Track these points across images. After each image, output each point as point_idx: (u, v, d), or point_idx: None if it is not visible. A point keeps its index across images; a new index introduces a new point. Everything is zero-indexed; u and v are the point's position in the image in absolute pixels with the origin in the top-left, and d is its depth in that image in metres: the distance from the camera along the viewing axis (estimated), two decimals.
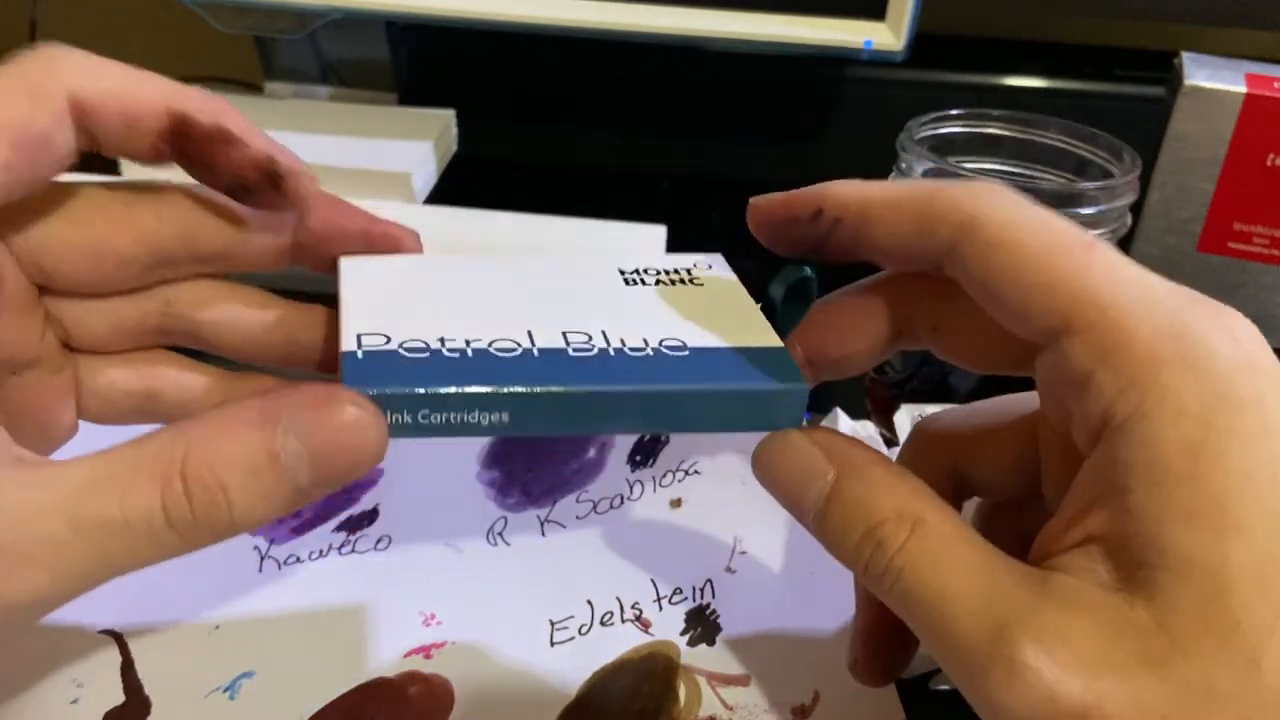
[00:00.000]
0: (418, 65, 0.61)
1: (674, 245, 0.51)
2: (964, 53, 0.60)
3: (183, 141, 0.21)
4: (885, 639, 0.25)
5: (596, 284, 0.24)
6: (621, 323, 0.22)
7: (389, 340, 0.21)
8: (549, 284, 0.24)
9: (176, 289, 0.24)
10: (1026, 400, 0.23)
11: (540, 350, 0.21)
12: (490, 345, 0.21)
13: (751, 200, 0.24)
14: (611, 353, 0.21)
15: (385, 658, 0.28)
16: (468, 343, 0.21)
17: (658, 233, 0.52)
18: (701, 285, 0.24)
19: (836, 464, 0.21)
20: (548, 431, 0.21)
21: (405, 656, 0.28)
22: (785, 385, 0.21)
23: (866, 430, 0.35)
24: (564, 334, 0.22)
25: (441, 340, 0.21)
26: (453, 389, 0.20)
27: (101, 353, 0.24)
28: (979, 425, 0.24)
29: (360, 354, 0.20)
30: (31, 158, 0.20)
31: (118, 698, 0.27)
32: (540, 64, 0.60)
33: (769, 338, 0.22)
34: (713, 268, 0.25)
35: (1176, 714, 0.16)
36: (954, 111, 0.38)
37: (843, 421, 0.35)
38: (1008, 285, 0.19)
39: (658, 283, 0.24)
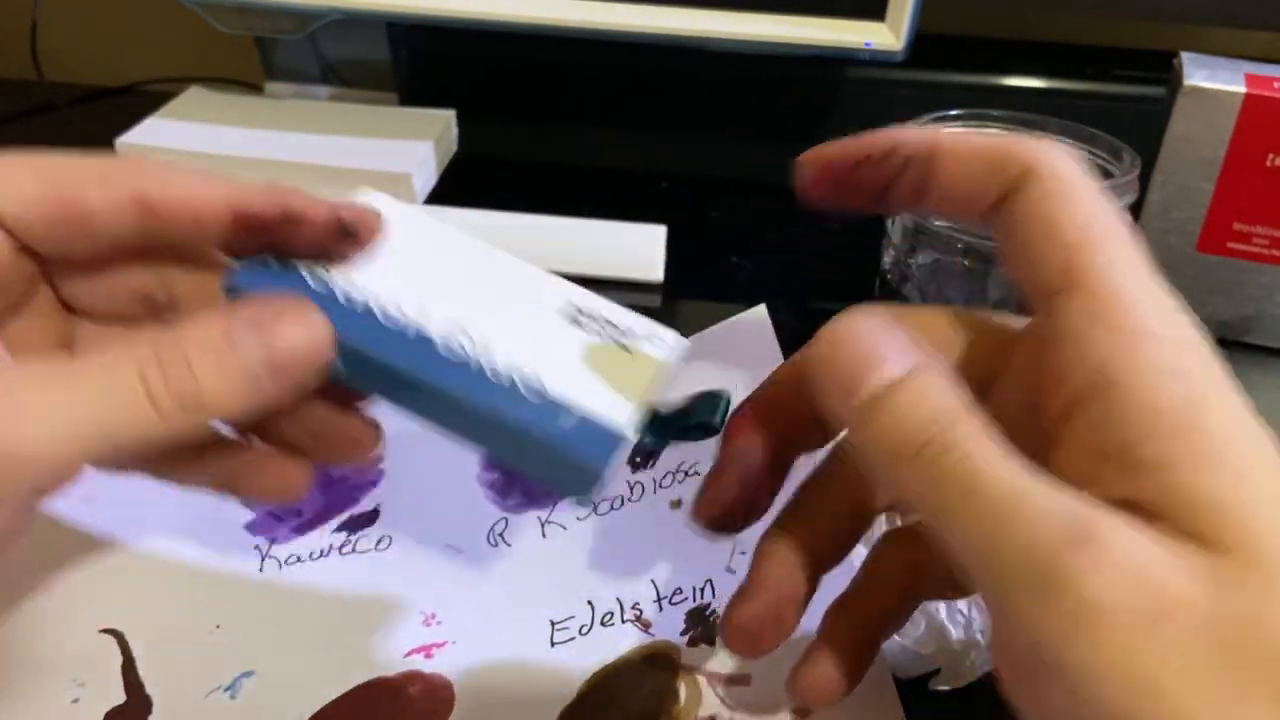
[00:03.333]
0: (418, 65, 0.61)
1: (674, 245, 0.51)
2: (963, 53, 0.60)
3: (251, 233, 0.23)
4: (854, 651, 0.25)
5: (540, 309, 0.24)
6: (515, 349, 0.23)
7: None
8: (501, 289, 0.25)
9: (176, 276, 0.25)
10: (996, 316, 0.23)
11: (416, 333, 0.22)
12: (383, 308, 0.23)
13: (805, 155, 0.24)
14: (471, 366, 0.22)
15: (386, 657, 0.28)
16: (368, 299, 0.23)
17: (658, 233, 0.52)
18: (629, 355, 0.24)
19: (916, 359, 0.20)
20: (375, 393, 0.23)
21: (406, 656, 0.28)
22: (584, 461, 0.22)
23: None
24: (453, 330, 0.23)
25: (350, 283, 0.23)
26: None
27: (97, 319, 0.25)
28: (929, 321, 0.23)
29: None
30: (68, 218, 0.22)
31: (119, 697, 0.27)
32: (540, 64, 0.60)
33: (618, 417, 0.22)
34: (662, 350, 0.24)
35: (1246, 619, 0.17)
36: (953, 111, 0.38)
37: None
38: (1042, 235, 0.20)
39: (595, 333, 0.24)
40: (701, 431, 0.24)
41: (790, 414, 0.24)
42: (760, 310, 0.35)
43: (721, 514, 0.24)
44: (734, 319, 0.35)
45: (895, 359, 0.20)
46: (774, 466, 0.24)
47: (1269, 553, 0.17)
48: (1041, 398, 0.20)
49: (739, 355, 0.35)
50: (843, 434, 0.25)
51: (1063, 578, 0.17)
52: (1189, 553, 0.17)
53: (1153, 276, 0.20)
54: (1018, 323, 0.23)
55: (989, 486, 0.18)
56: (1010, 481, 0.18)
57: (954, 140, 0.22)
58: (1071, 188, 0.21)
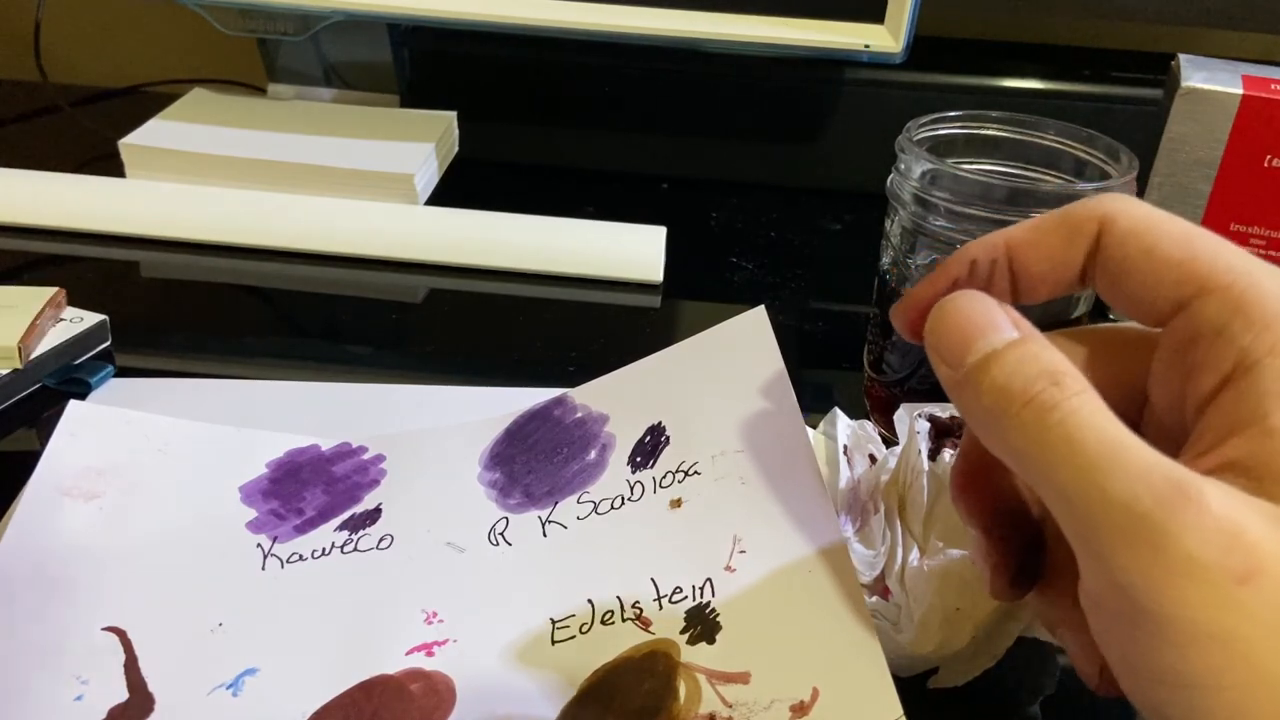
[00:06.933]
0: (420, 67, 0.62)
1: (674, 246, 0.51)
2: (962, 55, 0.61)
3: None
4: (1014, 546, 0.25)
5: None
6: None
7: None
8: None
9: None
10: (1214, 249, 0.23)
11: None
12: None
13: (897, 306, 0.25)
14: None
15: (388, 655, 0.29)
16: None
17: (658, 234, 0.52)
18: None
19: (1024, 331, 0.21)
20: None
21: (408, 654, 0.29)
22: None
23: (866, 430, 0.35)
24: None
25: None
26: None
27: None
28: (1080, 343, 0.24)
29: None
30: None
31: (122, 694, 0.27)
32: (541, 66, 0.60)
33: None
34: None
35: None
36: (952, 113, 0.38)
37: (841, 421, 0.35)
38: (1145, 263, 0.21)
39: None
40: None
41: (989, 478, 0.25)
42: (759, 311, 0.35)
43: (1015, 577, 0.25)
44: (733, 320, 0.35)
45: (1004, 326, 0.21)
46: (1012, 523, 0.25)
47: None
48: (1185, 393, 0.21)
49: (738, 356, 0.35)
50: None
51: (1160, 531, 0.17)
52: None
53: (1266, 263, 0.21)
54: (1153, 330, 0.24)
55: (1091, 440, 0.19)
56: (1113, 437, 0.19)
57: (1022, 230, 0.23)
58: (1149, 217, 0.22)
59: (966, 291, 0.23)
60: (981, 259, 0.23)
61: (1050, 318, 0.37)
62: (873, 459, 0.34)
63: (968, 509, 0.25)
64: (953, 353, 0.22)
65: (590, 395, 0.37)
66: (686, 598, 0.30)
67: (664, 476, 0.33)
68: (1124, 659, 0.19)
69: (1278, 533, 0.18)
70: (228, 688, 0.28)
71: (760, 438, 0.32)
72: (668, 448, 0.34)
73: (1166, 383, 0.22)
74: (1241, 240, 0.43)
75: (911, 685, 0.29)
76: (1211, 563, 0.17)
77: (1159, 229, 0.21)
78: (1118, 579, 0.18)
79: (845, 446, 0.34)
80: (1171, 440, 0.21)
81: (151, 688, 0.28)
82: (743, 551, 0.30)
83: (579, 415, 0.36)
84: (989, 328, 0.21)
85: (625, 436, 0.35)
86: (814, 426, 0.35)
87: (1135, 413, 0.23)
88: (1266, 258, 0.43)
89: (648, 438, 0.34)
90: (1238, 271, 0.20)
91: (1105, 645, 0.20)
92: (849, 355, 0.44)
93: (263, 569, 0.31)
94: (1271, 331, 0.19)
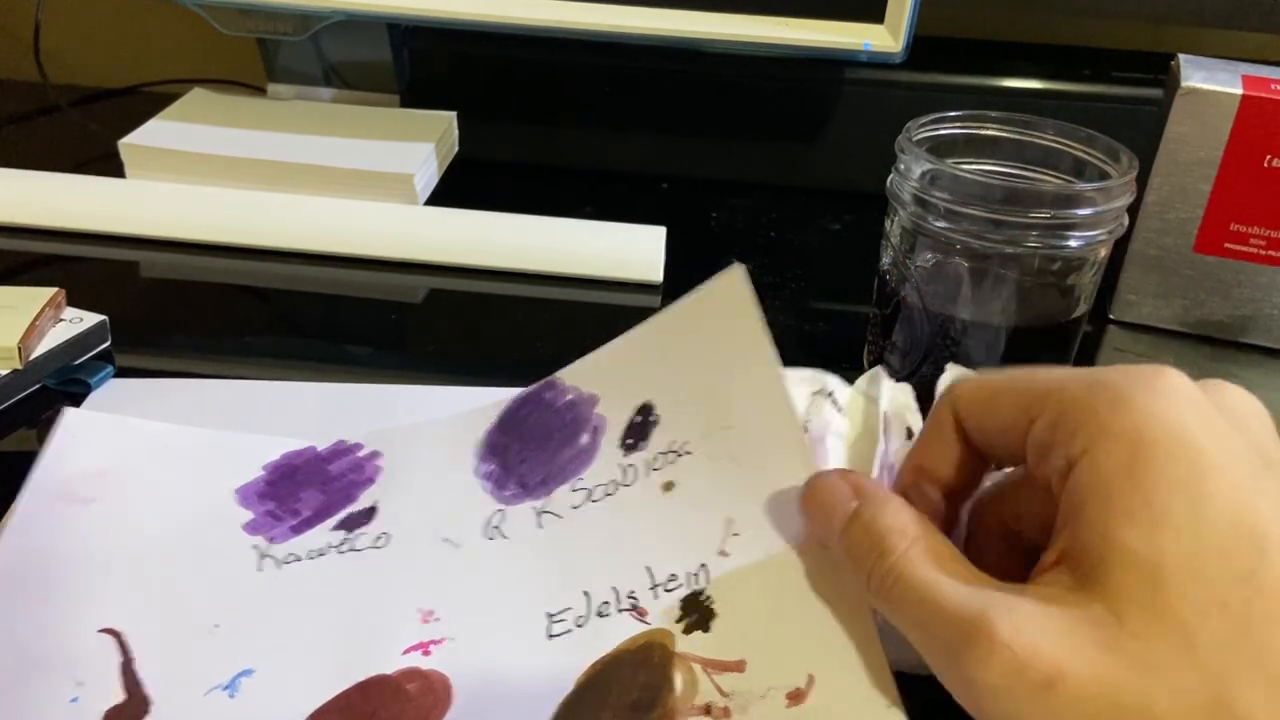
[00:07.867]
0: (419, 67, 0.62)
1: (674, 246, 0.51)
2: (962, 55, 0.61)
3: None
4: None
5: None
6: None
7: None
8: None
9: None
10: (1046, 376, 0.26)
11: None
12: None
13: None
14: None
15: (384, 655, 0.29)
16: None
17: (658, 234, 0.52)
18: None
19: (860, 496, 0.26)
20: None
21: (404, 653, 0.29)
22: None
23: (906, 396, 0.34)
24: None
25: None
26: None
27: None
28: (998, 395, 0.27)
29: None
30: None
31: (118, 696, 0.27)
32: (541, 65, 0.60)
33: None
34: None
35: (1127, 687, 0.19)
36: (952, 113, 0.38)
37: (885, 384, 0.35)
38: (991, 419, 0.25)
39: None
40: None
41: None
42: (737, 269, 0.32)
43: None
44: (712, 281, 0.33)
45: (845, 499, 0.26)
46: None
47: (1172, 600, 0.20)
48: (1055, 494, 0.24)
49: (719, 324, 0.32)
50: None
51: (965, 669, 0.21)
52: (1091, 615, 0.20)
53: (1080, 371, 0.24)
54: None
55: (913, 601, 0.23)
56: (929, 593, 0.23)
57: (918, 450, 0.28)
58: (979, 383, 0.26)
59: (821, 472, 0.28)
60: (909, 491, 0.27)
61: (1050, 319, 0.37)
62: (910, 434, 0.33)
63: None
64: (822, 531, 0.27)
65: (579, 376, 0.36)
66: (681, 585, 0.30)
67: (655, 458, 0.33)
68: None
69: (1077, 634, 0.20)
70: (224, 689, 0.28)
71: (746, 412, 0.31)
72: (657, 427, 0.33)
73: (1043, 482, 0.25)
74: (1241, 240, 0.43)
75: (915, 681, 0.29)
76: (1008, 686, 0.20)
77: (987, 386, 0.26)
78: (968, 707, 0.22)
79: (885, 414, 0.33)
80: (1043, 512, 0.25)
81: (148, 689, 0.27)
82: (736, 534, 0.30)
83: (570, 398, 0.36)
84: (834, 506, 0.26)
85: (616, 418, 0.34)
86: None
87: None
88: (1266, 258, 0.43)
89: (638, 418, 0.34)
90: (1050, 389, 0.23)
91: None
92: (849, 355, 0.44)
93: (259, 570, 0.31)
94: (1081, 432, 0.22)
